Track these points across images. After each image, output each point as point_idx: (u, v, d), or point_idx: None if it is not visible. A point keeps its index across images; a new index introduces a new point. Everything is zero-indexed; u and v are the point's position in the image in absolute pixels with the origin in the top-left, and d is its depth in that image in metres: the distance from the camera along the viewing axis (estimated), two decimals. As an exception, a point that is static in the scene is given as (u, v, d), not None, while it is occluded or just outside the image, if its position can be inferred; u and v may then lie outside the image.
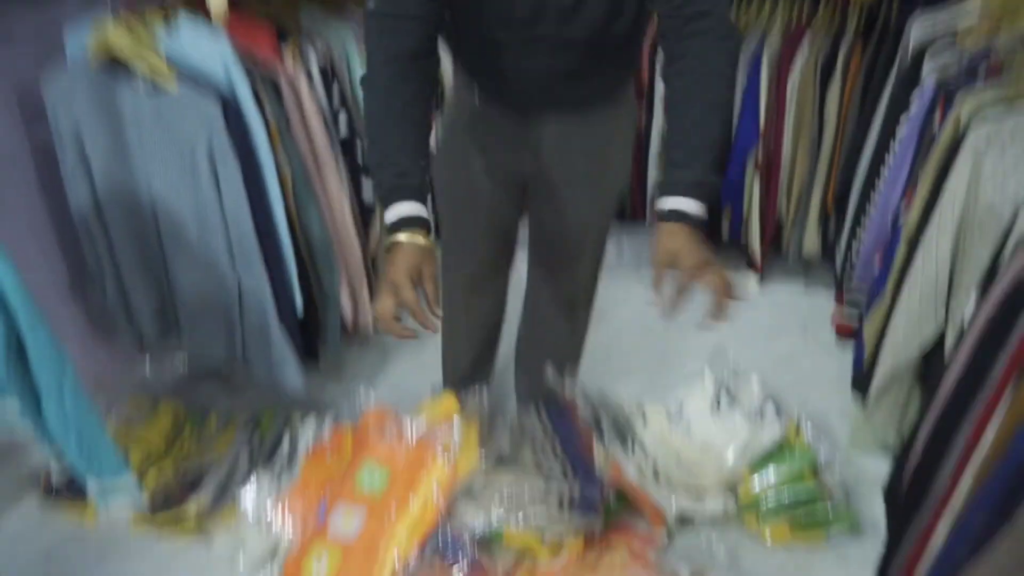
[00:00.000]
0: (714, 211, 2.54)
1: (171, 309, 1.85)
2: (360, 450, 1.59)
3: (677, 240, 1.13)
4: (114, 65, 1.59)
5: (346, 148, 1.93)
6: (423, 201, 1.18)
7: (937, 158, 1.55)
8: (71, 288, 1.93)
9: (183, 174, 1.65)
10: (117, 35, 1.55)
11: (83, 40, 1.62)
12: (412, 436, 1.59)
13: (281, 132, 1.71)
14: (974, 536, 0.77)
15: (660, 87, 2.54)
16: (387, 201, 1.17)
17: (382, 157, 1.18)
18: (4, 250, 1.17)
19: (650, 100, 2.58)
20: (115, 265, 1.80)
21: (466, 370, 1.81)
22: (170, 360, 2.09)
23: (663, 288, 1.14)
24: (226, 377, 2.08)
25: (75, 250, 1.87)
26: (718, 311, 1.13)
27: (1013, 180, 1.25)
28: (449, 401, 1.65)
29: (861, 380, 1.78)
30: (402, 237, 1.14)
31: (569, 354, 1.79)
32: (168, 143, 1.62)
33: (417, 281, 1.12)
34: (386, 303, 1.13)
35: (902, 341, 1.60)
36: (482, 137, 1.46)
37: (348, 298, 1.95)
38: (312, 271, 1.85)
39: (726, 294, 1.12)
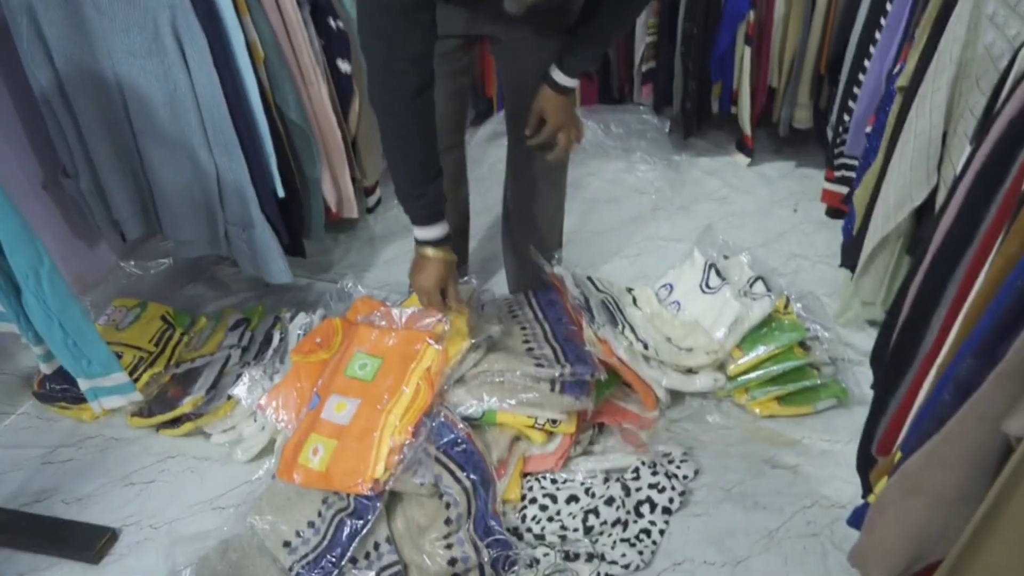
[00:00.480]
0: (703, 86, 2.46)
1: (150, 201, 1.80)
2: (350, 340, 1.59)
3: (552, 103, 1.48)
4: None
5: (317, 13, 1.82)
6: (444, 218, 1.42)
7: (937, 2, 1.47)
8: (46, 184, 1.87)
9: (148, 51, 1.56)
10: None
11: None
12: (401, 324, 1.58)
13: (248, -2, 1.61)
14: (961, 384, 0.77)
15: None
16: (417, 223, 1.41)
17: (411, 189, 1.37)
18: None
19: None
20: (87, 155, 1.74)
21: None
22: (156, 262, 2.07)
23: (535, 133, 1.53)
24: (213, 275, 2.07)
25: (46, 141, 1.80)
26: (560, 154, 1.55)
27: (1016, 21, 1.18)
28: None
29: (849, 250, 1.77)
30: (430, 252, 1.43)
31: (555, 218, 1.81)
32: (128, 15, 1.52)
33: (443, 290, 1.47)
34: (421, 302, 1.52)
35: (893, 204, 1.57)
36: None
37: (330, 183, 1.90)
38: (291, 155, 1.79)
39: (571, 145, 1.55)
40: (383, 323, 1.61)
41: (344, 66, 1.87)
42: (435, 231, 1.41)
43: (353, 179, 1.96)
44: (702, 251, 1.88)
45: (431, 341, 1.51)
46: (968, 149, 1.08)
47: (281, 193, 1.71)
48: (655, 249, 2.17)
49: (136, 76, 1.59)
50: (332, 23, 1.82)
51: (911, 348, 1.08)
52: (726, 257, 1.90)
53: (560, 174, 1.74)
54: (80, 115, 1.67)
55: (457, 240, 1.84)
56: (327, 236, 2.02)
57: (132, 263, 2.10)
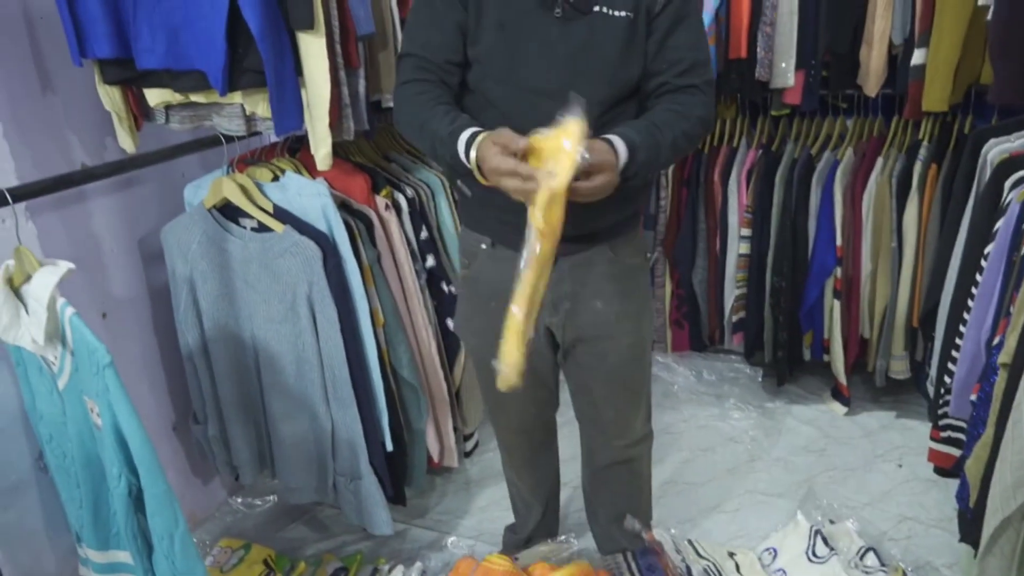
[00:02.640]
0: (794, 336, 2.51)
1: (267, 449, 1.92)
2: None
3: (602, 145, 1.21)
4: (226, 215, 1.75)
5: (432, 279, 2.02)
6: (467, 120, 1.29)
7: (1029, 288, 1.52)
8: (176, 427, 2.05)
9: (284, 317, 1.75)
10: (231, 188, 1.70)
11: (200, 194, 1.79)
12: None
13: (374, 271, 1.81)
14: None
15: (732, 214, 2.58)
16: (455, 137, 1.25)
17: (436, 126, 1.28)
18: (130, 403, 1.25)
19: (723, 227, 2.62)
20: (217, 405, 1.89)
21: (536, 524, 1.85)
22: (262, 499, 2.15)
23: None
24: (314, 516, 2.13)
25: (183, 389, 1.98)
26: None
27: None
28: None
29: (968, 526, 1.68)
30: (474, 149, 1.22)
31: (641, 503, 1.77)
32: (271, 288, 1.73)
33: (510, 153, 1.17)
34: (509, 184, 1.17)
35: (1011, 486, 1.51)
36: (500, 303, 1.28)
37: (434, 434, 1.99)
38: (400, 408, 1.90)
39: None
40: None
41: (452, 324, 2.02)
42: (467, 134, 1.25)
43: (455, 428, 2.05)
44: (806, 514, 1.83)
45: None
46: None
47: (390, 447, 1.80)
48: (754, 504, 2.11)
49: (270, 339, 1.77)
50: (444, 287, 2.01)
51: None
52: (832, 522, 1.84)
53: (639, 464, 1.70)
54: (217, 371, 1.85)
55: (550, 503, 1.86)
56: (425, 477, 2.07)
57: (239, 500, 2.19)
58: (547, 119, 1.17)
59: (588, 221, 1.34)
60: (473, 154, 1.22)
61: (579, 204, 1.19)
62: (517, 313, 1.20)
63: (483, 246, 1.48)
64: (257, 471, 1.95)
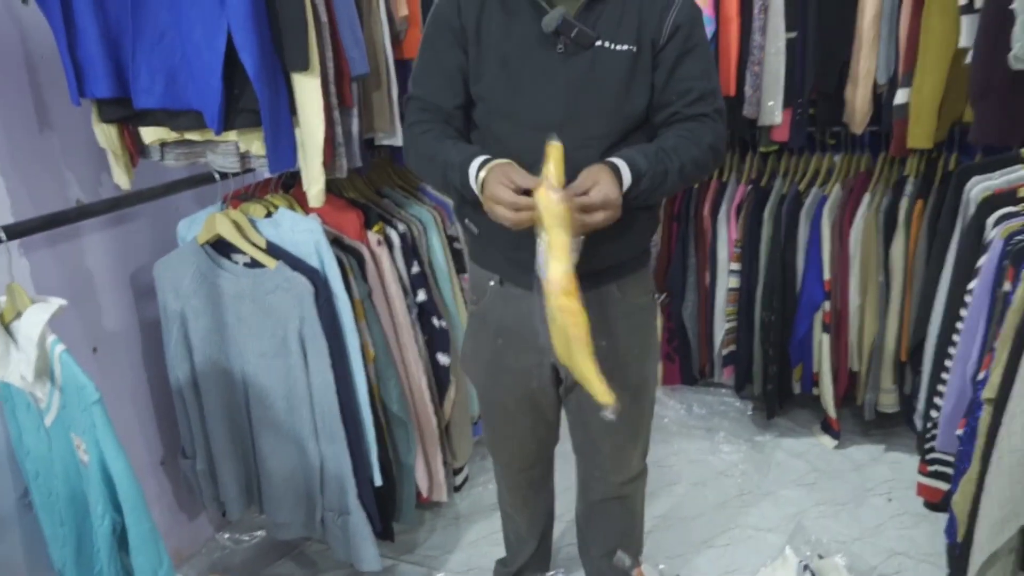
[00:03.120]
0: (784, 369, 2.53)
1: (255, 484, 1.91)
2: None
3: (604, 177, 1.24)
4: (219, 251, 1.77)
5: (423, 314, 2.03)
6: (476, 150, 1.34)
7: (1012, 323, 1.54)
8: (164, 461, 2.04)
9: (274, 353, 1.75)
10: (224, 224, 1.72)
11: (194, 230, 1.80)
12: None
13: (365, 306, 1.82)
14: None
15: (721, 249, 2.61)
16: (465, 166, 1.30)
17: (446, 156, 1.34)
18: (117, 441, 1.24)
19: (713, 261, 2.65)
20: (206, 440, 1.89)
21: (529, 558, 1.83)
22: (249, 535, 2.14)
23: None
24: (302, 552, 2.11)
25: (171, 424, 1.98)
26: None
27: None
28: None
29: (956, 561, 1.69)
30: (484, 173, 1.27)
31: (633, 538, 1.77)
32: (263, 323, 1.74)
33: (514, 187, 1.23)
34: (506, 216, 1.23)
35: (998, 522, 1.53)
36: (507, 339, 1.49)
37: (423, 469, 1.98)
38: (389, 443, 1.90)
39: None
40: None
41: (443, 359, 2.03)
42: (480, 159, 1.30)
43: (444, 462, 2.05)
44: (795, 549, 1.83)
45: None
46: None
47: (379, 482, 1.80)
48: (744, 539, 2.11)
49: (261, 374, 1.77)
50: (436, 322, 2.02)
51: None
52: (821, 556, 1.83)
53: (632, 501, 1.71)
54: (206, 405, 1.85)
55: (544, 537, 1.85)
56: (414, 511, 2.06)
57: (227, 535, 2.18)
58: None
59: (596, 258, 1.35)
60: (483, 174, 1.27)
61: (587, 242, 1.24)
62: (586, 361, 1.26)
63: (491, 283, 1.49)
64: (245, 506, 1.94)
